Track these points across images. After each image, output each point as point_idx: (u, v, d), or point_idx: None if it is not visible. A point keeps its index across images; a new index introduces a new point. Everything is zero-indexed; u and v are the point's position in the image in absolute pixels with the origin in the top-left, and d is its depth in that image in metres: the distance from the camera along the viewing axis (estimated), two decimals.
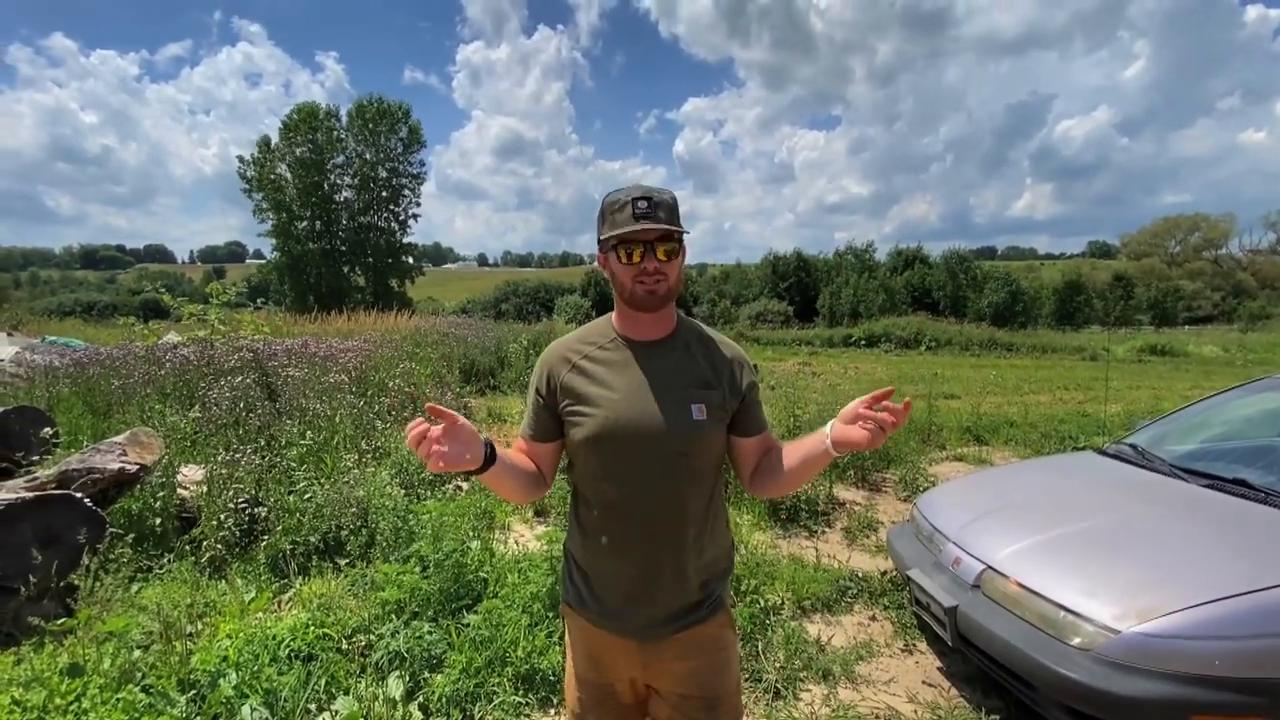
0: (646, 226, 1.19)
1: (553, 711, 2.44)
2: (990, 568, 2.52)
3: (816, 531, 4.40)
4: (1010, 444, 7.12)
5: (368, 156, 39.23)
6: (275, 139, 37.47)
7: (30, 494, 2.97)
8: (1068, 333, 29.80)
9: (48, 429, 3.79)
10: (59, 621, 2.55)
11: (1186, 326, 38.61)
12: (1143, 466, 3.14)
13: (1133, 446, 3.38)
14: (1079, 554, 2.43)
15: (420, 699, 2.39)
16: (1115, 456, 3.36)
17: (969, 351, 22.34)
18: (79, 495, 3.04)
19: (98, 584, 2.74)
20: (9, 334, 11.60)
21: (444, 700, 2.38)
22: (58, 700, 2.11)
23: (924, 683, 2.73)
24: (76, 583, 2.77)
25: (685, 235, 1.26)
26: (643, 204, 1.20)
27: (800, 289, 37.86)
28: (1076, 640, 2.10)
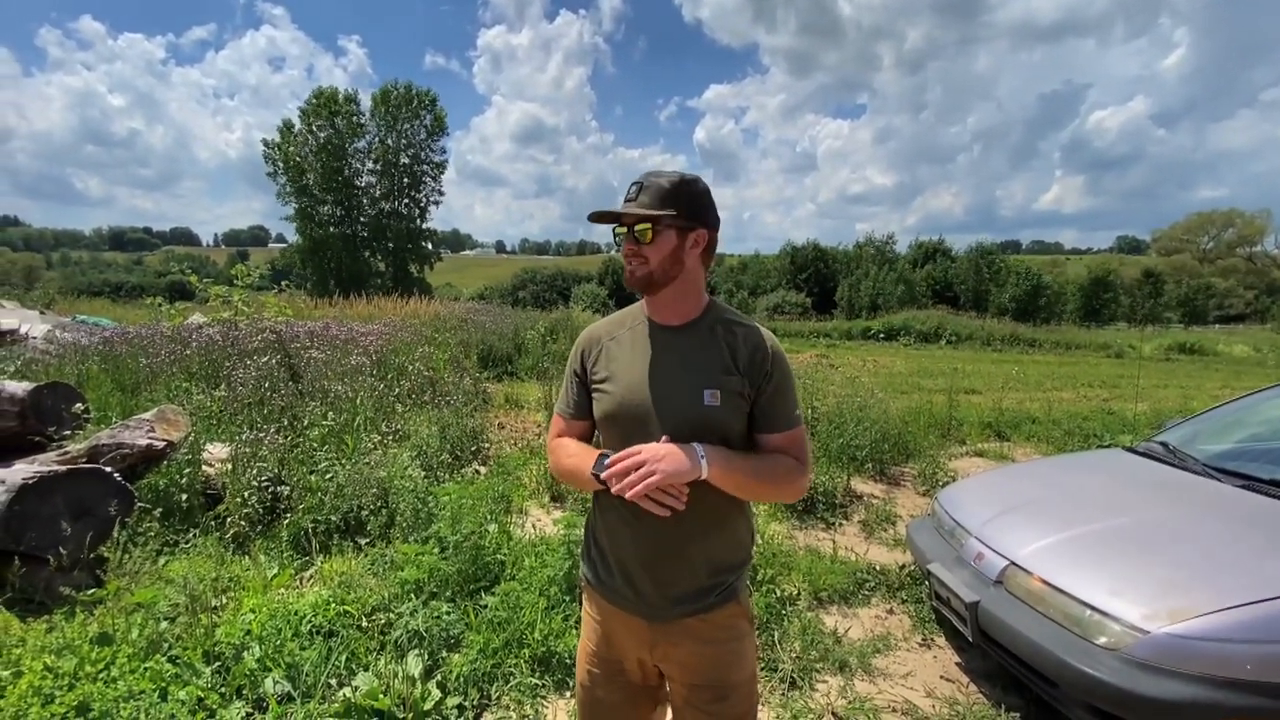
0: (623, 210, 1.25)
1: (568, 694, 2.45)
2: (1014, 564, 2.48)
3: (834, 524, 4.37)
4: (1032, 440, 7.01)
5: (390, 142, 39.40)
6: (297, 124, 37.79)
7: (62, 467, 3.04)
8: (1093, 329, 29.22)
9: (78, 405, 3.87)
10: (89, 592, 2.61)
11: (1217, 325, 37.65)
12: (1174, 465, 3.06)
13: (1163, 445, 3.30)
14: (1107, 552, 2.38)
15: (438, 677, 2.41)
16: (1145, 454, 3.28)
17: (990, 346, 22.01)
18: (109, 469, 3.11)
19: (126, 556, 2.80)
20: (41, 313, 11.87)
21: (462, 679, 2.40)
22: (88, 668, 2.17)
23: (942, 678, 2.70)
24: (106, 555, 2.83)
25: (674, 218, 1.23)
26: (633, 189, 1.25)
27: (818, 280, 37.52)
28: (1103, 639, 2.06)
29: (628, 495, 1.14)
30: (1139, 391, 9.88)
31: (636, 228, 1.24)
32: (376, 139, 39.33)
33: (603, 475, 1.19)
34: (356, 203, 39.39)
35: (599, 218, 1.28)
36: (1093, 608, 2.13)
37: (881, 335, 24.21)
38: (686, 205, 1.25)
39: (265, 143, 37.54)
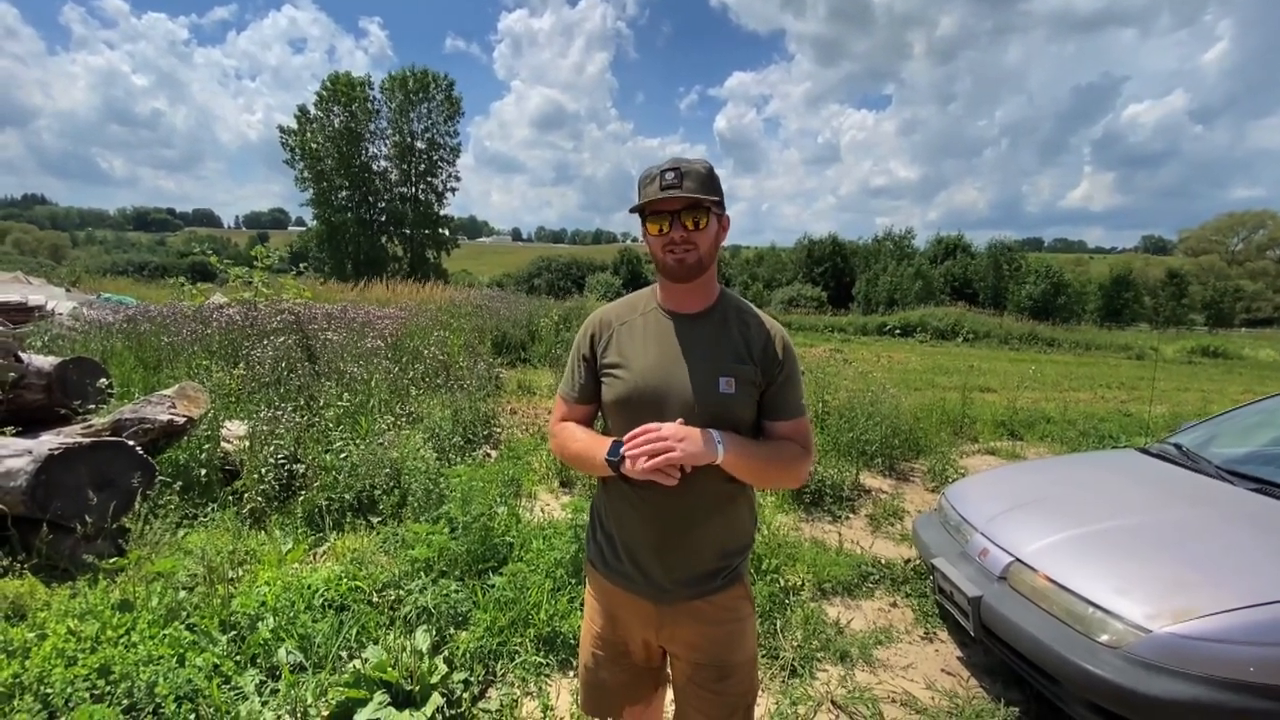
0: (671, 195, 1.21)
1: (571, 673, 2.50)
2: (1018, 560, 2.48)
3: (840, 517, 4.37)
4: (1046, 440, 6.94)
5: (406, 128, 39.50)
6: (313, 109, 37.95)
7: (86, 440, 3.13)
8: (1113, 330, 28.73)
9: (103, 380, 3.97)
10: (111, 560, 2.70)
11: (1244, 329, 36.85)
12: (1186, 467, 3.04)
13: (1177, 446, 3.27)
14: (1112, 551, 2.37)
15: (446, 653, 2.46)
16: (1158, 456, 3.25)
17: (1008, 345, 21.76)
18: (131, 443, 3.19)
19: (147, 527, 2.89)
20: (67, 290, 12.13)
21: (468, 655, 2.46)
22: (109, 632, 2.25)
23: (943, 671, 2.72)
24: (128, 525, 2.92)
25: (716, 204, 1.25)
26: (670, 175, 1.21)
27: (835, 274, 37.19)
28: (1105, 637, 2.06)
29: (644, 467, 1.14)
30: (1158, 394, 9.73)
31: (693, 215, 1.23)
32: (390, 125, 39.41)
33: (623, 450, 1.19)
34: (373, 188, 39.58)
35: (660, 203, 1.23)
36: (1096, 605, 2.13)
37: (898, 331, 23.99)
38: (719, 191, 1.27)
39: (281, 129, 37.82)
